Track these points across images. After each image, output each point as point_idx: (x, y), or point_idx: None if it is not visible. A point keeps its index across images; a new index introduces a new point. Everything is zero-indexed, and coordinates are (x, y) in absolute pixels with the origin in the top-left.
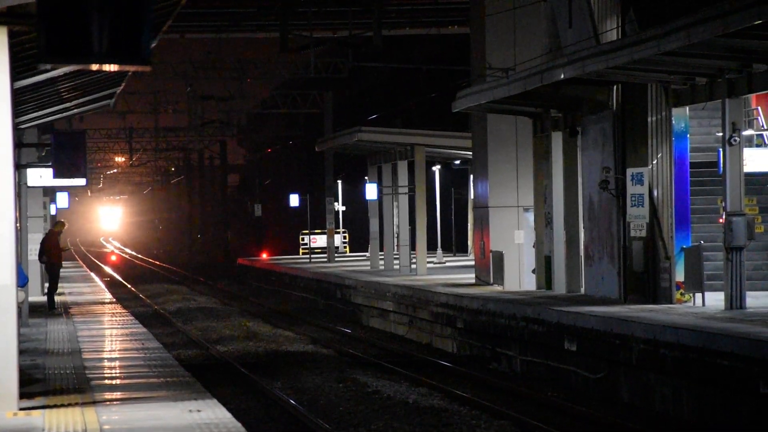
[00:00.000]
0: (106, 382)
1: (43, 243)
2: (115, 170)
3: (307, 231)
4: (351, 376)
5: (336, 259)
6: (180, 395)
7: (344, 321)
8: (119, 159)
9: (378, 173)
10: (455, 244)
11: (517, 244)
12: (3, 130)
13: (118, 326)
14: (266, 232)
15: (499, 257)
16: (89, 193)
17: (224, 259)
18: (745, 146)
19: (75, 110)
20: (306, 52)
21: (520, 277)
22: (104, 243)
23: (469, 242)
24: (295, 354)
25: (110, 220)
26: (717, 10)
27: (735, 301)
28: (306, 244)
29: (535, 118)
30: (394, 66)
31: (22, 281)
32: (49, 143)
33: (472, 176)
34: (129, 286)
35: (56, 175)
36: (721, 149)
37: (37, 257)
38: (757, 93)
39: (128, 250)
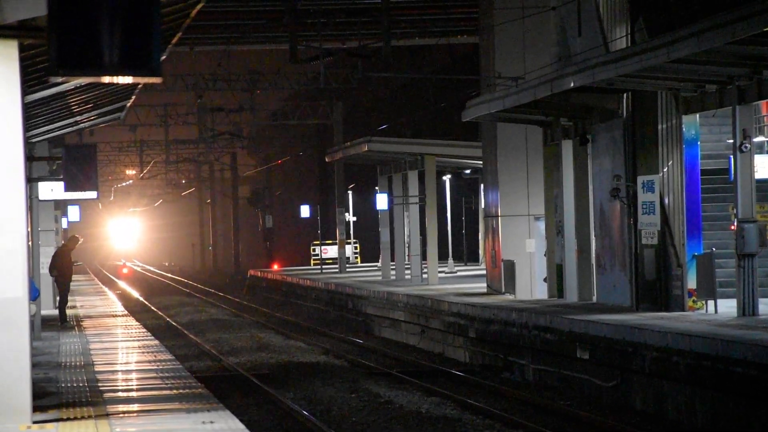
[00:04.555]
0: (119, 394)
1: (54, 257)
2: (125, 183)
3: (318, 242)
4: (363, 387)
5: (347, 269)
6: (193, 407)
7: (356, 331)
8: (130, 172)
9: (388, 183)
10: (466, 253)
11: (528, 253)
12: (14, 143)
13: (130, 339)
14: (277, 243)
15: (510, 266)
16: (99, 206)
17: (235, 270)
18: (756, 153)
19: (86, 123)
20: (315, 63)
21: (532, 285)
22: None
23: (480, 251)
24: (307, 365)
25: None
26: (727, 17)
27: (747, 308)
28: (317, 254)
29: (546, 127)
30: (403, 76)
31: (33, 294)
32: (60, 157)
33: (482, 185)
34: (141, 298)
35: (67, 189)
36: (731, 156)
37: (47, 270)
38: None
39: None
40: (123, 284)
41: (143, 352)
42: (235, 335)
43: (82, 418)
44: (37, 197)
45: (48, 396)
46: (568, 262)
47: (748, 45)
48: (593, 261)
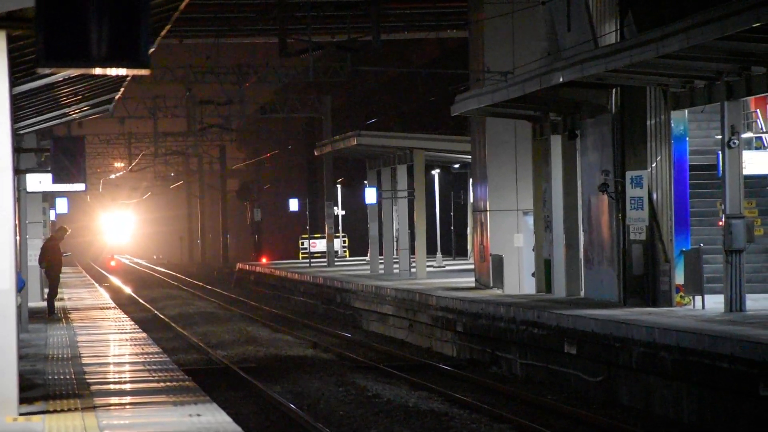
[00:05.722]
0: (106, 387)
1: (43, 249)
2: (114, 175)
3: (306, 235)
4: (351, 380)
5: (336, 263)
6: (180, 400)
7: (344, 325)
8: (119, 164)
9: (377, 177)
10: (455, 247)
11: (516, 248)
12: (2, 135)
13: (118, 331)
14: (265, 237)
15: (498, 261)
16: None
17: (224, 263)
18: (744, 149)
19: (74, 116)
20: (305, 56)
21: (520, 280)
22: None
23: (469, 246)
24: (294, 358)
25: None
26: (716, 12)
27: (735, 303)
28: (305, 248)
29: (534, 122)
30: (393, 70)
31: (18, 286)
32: (48, 148)
33: (471, 180)
34: (129, 291)
35: (55, 181)
36: (720, 152)
37: (36, 262)
38: (756, 96)
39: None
40: (112, 277)
41: (131, 345)
42: (222, 328)
43: (69, 410)
44: (25, 189)
45: (35, 388)
46: (556, 257)
47: (737, 41)
48: (581, 256)
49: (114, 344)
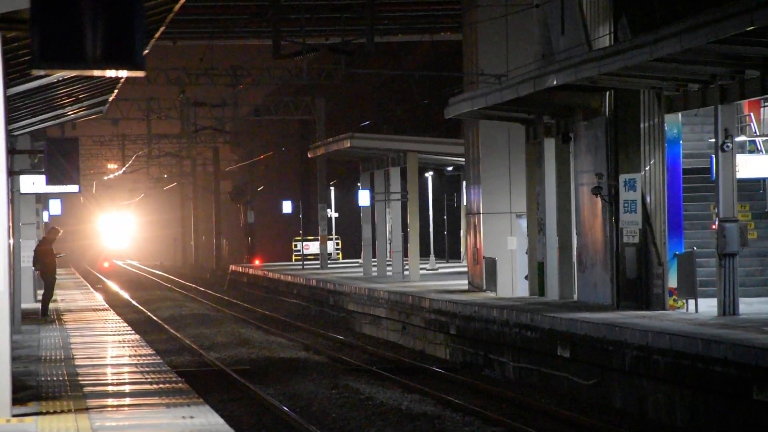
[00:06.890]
0: (99, 388)
1: (36, 251)
2: (108, 177)
3: (299, 237)
4: (344, 383)
5: (329, 265)
6: (173, 402)
7: (337, 327)
8: (112, 166)
9: (370, 180)
10: (448, 250)
11: (509, 251)
12: None
13: (111, 333)
14: (259, 239)
15: (491, 264)
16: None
17: (217, 265)
18: (738, 152)
19: (68, 117)
20: (298, 58)
21: (513, 283)
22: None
23: (462, 249)
24: (287, 360)
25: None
26: (710, 16)
27: (728, 307)
28: (299, 250)
29: (528, 125)
30: (386, 72)
31: None
32: (41, 150)
33: (464, 182)
34: (122, 293)
35: (49, 182)
36: (713, 155)
37: (30, 264)
38: (750, 99)
39: None
40: (106, 280)
41: (124, 347)
42: (215, 330)
43: (62, 411)
44: (19, 190)
45: (28, 389)
46: (550, 260)
47: (730, 44)
48: (574, 259)
49: (107, 346)
